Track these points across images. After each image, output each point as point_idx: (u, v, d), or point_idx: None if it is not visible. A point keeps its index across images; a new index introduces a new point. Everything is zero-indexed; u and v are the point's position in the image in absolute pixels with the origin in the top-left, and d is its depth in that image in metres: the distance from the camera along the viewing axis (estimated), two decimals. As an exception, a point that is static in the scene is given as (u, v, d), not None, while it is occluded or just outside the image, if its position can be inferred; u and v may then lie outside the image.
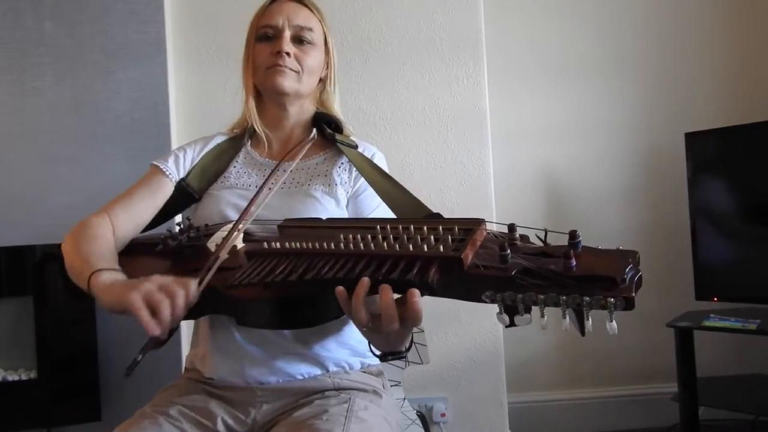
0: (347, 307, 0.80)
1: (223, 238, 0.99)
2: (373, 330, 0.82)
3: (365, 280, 0.78)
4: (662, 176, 2.41)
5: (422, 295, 0.77)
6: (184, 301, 0.85)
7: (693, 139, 2.15)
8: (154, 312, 0.83)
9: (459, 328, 2.05)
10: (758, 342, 2.18)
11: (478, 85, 2.08)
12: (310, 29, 1.17)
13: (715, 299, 2.08)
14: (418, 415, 1.40)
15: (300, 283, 0.82)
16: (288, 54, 1.13)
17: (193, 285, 0.87)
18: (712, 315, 2.04)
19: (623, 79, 2.44)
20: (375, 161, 1.19)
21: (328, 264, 0.82)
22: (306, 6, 1.19)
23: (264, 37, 1.16)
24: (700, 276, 2.11)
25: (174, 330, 0.88)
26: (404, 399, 1.40)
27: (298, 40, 1.16)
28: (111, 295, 0.90)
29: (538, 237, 0.81)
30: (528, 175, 2.43)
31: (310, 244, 0.88)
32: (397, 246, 0.81)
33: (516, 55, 2.43)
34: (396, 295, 0.79)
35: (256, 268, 0.88)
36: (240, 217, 1.03)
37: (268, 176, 1.12)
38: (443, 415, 2.03)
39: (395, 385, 1.32)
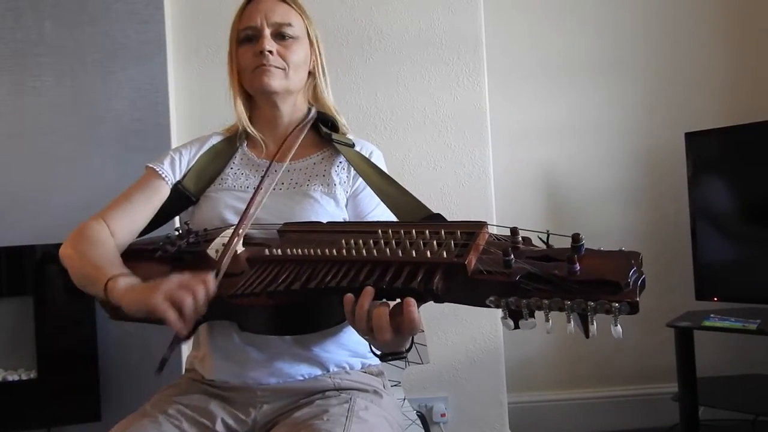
0: (351, 315, 0.80)
1: (226, 242, 0.98)
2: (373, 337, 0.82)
3: (369, 290, 0.78)
4: (662, 176, 2.41)
5: (426, 302, 0.77)
6: (205, 295, 0.87)
7: (693, 139, 2.15)
8: (178, 311, 0.85)
9: (459, 328, 2.05)
10: (758, 342, 2.18)
11: (478, 85, 2.08)
12: (290, 24, 1.15)
13: (715, 299, 2.08)
14: (418, 415, 1.40)
15: (303, 291, 0.82)
16: (271, 52, 1.12)
17: (211, 278, 0.89)
18: (712, 315, 2.03)
19: (623, 79, 2.44)
20: (373, 160, 1.18)
21: (331, 272, 0.82)
22: (283, 0, 1.17)
23: (245, 39, 1.15)
24: (700, 276, 2.11)
25: (197, 325, 0.90)
26: (404, 399, 1.40)
27: (279, 36, 1.14)
28: (132, 298, 0.90)
29: (541, 239, 0.80)
30: (528, 176, 2.43)
31: (311, 250, 0.87)
32: (399, 252, 0.80)
33: (516, 55, 2.43)
34: (392, 303, 0.79)
35: (258, 276, 0.88)
36: (240, 221, 1.02)
37: (263, 176, 1.11)
38: (443, 415, 2.03)
39: (395, 385, 1.32)
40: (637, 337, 2.36)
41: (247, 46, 1.14)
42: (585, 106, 2.44)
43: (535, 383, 2.41)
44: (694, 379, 2.00)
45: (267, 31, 1.13)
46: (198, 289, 0.86)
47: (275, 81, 1.13)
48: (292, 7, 1.18)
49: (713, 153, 2.16)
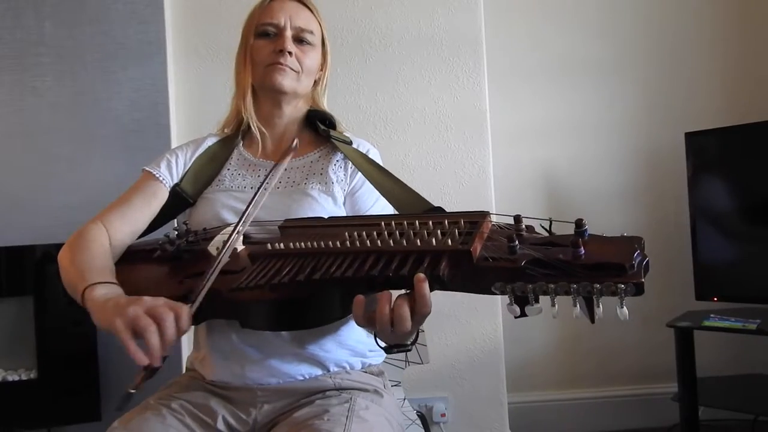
0: (360, 312, 0.79)
1: (223, 242, 0.97)
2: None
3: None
4: (662, 176, 2.41)
5: (432, 290, 0.77)
6: (174, 328, 0.83)
7: (693, 139, 2.15)
8: (141, 337, 0.81)
9: (459, 328, 2.04)
10: (758, 342, 2.18)
11: (478, 85, 2.08)
12: (311, 32, 1.18)
13: (715, 299, 2.08)
14: (418, 415, 1.39)
15: (308, 283, 0.81)
16: (290, 53, 1.14)
17: (185, 311, 0.86)
18: (712, 315, 2.04)
19: (623, 79, 2.44)
20: (370, 157, 1.19)
21: (335, 263, 0.81)
22: (307, 7, 1.20)
23: (264, 34, 1.16)
24: (700, 276, 2.11)
25: (165, 358, 0.84)
26: (404, 399, 1.40)
27: (299, 40, 1.16)
28: (101, 315, 0.89)
29: (543, 227, 0.81)
30: (528, 176, 2.43)
31: (314, 243, 0.86)
32: (404, 241, 0.80)
33: (516, 55, 2.43)
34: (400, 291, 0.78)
35: (261, 270, 0.87)
36: (239, 219, 1.01)
37: (264, 179, 1.10)
38: (443, 415, 2.02)
39: (395, 385, 1.32)
40: (637, 337, 2.36)
41: (265, 41, 1.16)
42: (585, 106, 2.44)
43: (535, 383, 2.41)
44: (694, 379, 2.00)
45: (289, 32, 1.15)
46: (167, 318, 0.83)
47: (287, 81, 1.14)
48: (315, 16, 1.20)
49: (713, 153, 2.16)
